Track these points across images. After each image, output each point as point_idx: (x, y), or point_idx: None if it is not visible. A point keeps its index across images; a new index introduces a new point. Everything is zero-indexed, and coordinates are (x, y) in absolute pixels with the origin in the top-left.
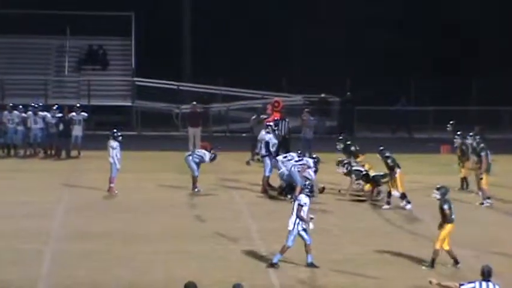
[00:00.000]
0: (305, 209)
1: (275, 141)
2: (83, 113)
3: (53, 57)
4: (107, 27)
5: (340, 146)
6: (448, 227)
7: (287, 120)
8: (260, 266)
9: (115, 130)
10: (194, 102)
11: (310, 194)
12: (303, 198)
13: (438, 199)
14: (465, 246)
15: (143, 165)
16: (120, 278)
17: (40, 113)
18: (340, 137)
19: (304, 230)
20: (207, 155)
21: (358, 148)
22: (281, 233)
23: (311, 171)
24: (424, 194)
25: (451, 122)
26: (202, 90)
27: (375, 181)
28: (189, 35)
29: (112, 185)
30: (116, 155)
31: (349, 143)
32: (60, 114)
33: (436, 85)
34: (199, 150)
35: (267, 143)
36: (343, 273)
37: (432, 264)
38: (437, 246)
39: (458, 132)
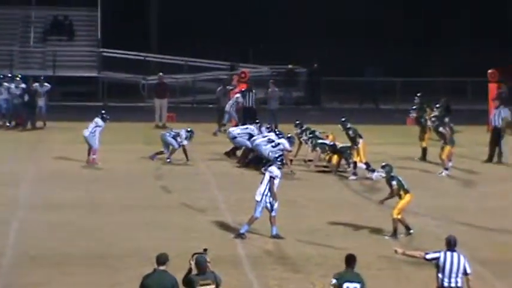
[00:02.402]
0: (276, 181)
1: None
2: (46, 85)
3: (18, 28)
4: None
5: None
6: (407, 196)
7: (254, 91)
8: (227, 237)
9: (104, 111)
10: (161, 73)
11: (282, 166)
12: (275, 171)
13: (384, 177)
14: (428, 215)
15: (109, 136)
16: (87, 248)
17: (5, 83)
18: (343, 119)
19: (271, 202)
20: (183, 132)
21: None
22: (248, 204)
23: (286, 144)
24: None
25: (418, 95)
26: (169, 61)
27: (341, 152)
28: (155, 5)
29: (94, 156)
30: (98, 133)
31: (349, 126)
32: (24, 85)
33: (403, 56)
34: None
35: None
36: (309, 243)
37: (395, 233)
38: (395, 215)
39: (414, 107)
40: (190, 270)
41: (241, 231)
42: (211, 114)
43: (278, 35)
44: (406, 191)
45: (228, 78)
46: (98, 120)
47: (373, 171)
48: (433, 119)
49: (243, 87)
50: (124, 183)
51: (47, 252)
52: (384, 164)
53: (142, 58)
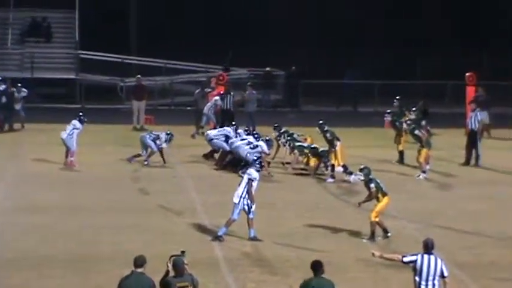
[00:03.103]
0: (254, 184)
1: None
2: (23, 90)
3: None
4: None
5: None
6: (385, 199)
7: (232, 93)
8: (204, 239)
9: (81, 114)
10: (139, 76)
11: (260, 169)
12: (254, 173)
13: (362, 180)
14: (405, 218)
15: (87, 139)
16: (66, 251)
17: None
18: (321, 122)
19: (248, 204)
20: (163, 135)
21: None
22: (225, 207)
23: (265, 147)
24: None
25: (397, 98)
26: (147, 64)
27: (320, 156)
28: (134, 7)
29: (72, 158)
30: (76, 135)
31: (326, 129)
32: (2, 87)
33: (383, 59)
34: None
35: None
36: (287, 246)
37: (372, 236)
38: (373, 218)
39: (389, 110)
40: (167, 272)
41: (219, 233)
42: (189, 117)
43: (257, 38)
44: (384, 194)
45: (206, 80)
46: (76, 122)
47: (351, 174)
48: (408, 122)
49: (221, 89)
50: (102, 186)
51: (24, 254)
52: (362, 166)
53: (121, 60)
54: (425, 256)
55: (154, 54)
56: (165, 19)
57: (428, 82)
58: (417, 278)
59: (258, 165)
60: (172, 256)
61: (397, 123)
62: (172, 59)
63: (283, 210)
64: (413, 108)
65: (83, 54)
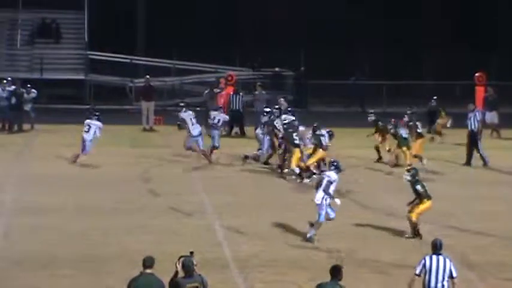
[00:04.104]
0: (333, 186)
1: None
2: (33, 91)
3: (5, 30)
4: (60, 0)
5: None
6: (428, 203)
7: (241, 94)
8: (213, 240)
9: (97, 113)
10: (148, 76)
11: (338, 171)
12: (333, 175)
13: (409, 180)
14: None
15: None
16: (75, 252)
17: None
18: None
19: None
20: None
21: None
22: (235, 207)
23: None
24: (374, 166)
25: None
26: (156, 64)
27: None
28: (142, 7)
29: (82, 154)
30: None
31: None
32: (12, 88)
33: (392, 59)
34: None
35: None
36: (297, 246)
37: (414, 234)
38: (414, 219)
39: (371, 111)
40: (176, 273)
41: (308, 235)
42: (199, 117)
43: (266, 38)
44: (428, 197)
45: (215, 81)
46: (96, 122)
47: (309, 177)
48: (389, 126)
49: (230, 90)
50: (111, 187)
51: (34, 255)
52: (409, 167)
53: (129, 61)
54: (434, 257)
55: (163, 54)
56: (174, 19)
57: (437, 82)
58: (426, 279)
59: (336, 167)
60: (181, 257)
61: (379, 123)
62: (181, 59)
63: (292, 210)
64: (408, 112)
65: (92, 54)
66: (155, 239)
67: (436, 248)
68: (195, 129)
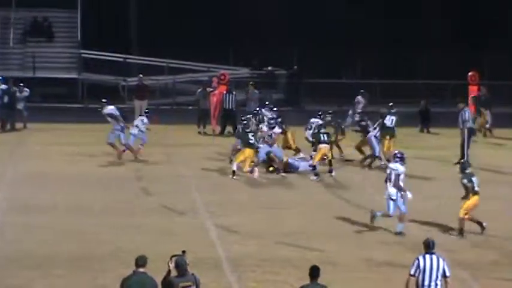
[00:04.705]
0: (401, 177)
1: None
2: (25, 90)
3: None
4: None
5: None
6: (474, 198)
7: (234, 93)
8: (206, 239)
9: (147, 111)
10: (141, 75)
11: (403, 162)
12: (400, 167)
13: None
14: (408, 218)
15: (89, 138)
16: (68, 251)
17: None
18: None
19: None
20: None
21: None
22: (227, 206)
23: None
24: (367, 165)
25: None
26: (149, 63)
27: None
28: (135, 6)
29: (141, 147)
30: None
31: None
32: (4, 86)
33: (383, 58)
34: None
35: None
36: (290, 246)
37: (461, 232)
38: (462, 215)
39: (330, 111)
40: (169, 272)
41: (398, 230)
42: (191, 116)
43: (259, 37)
44: (475, 193)
45: (208, 80)
46: (143, 118)
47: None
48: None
49: (223, 89)
50: (103, 186)
51: (26, 254)
52: (461, 161)
53: (122, 60)
54: (427, 256)
55: (156, 53)
56: (167, 18)
57: (429, 82)
58: (419, 278)
59: (401, 159)
60: (173, 256)
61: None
62: (174, 58)
63: (285, 210)
64: (392, 110)
65: (84, 53)
66: (148, 238)
67: (429, 247)
68: (121, 123)
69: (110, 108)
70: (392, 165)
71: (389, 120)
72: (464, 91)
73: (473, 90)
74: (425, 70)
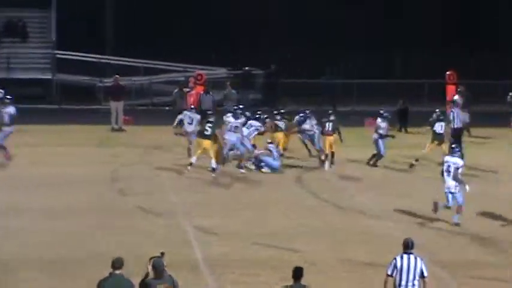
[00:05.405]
0: (460, 170)
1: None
2: (0, 90)
3: None
4: None
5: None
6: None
7: (211, 93)
8: (184, 240)
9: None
10: (117, 76)
11: (461, 155)
12: (459, 161)
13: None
14: (389, 218)
15: (64, 139)
16: (44, 253)
17: None
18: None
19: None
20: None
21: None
22: (205, 207)
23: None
24: (347, 166)
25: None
26: (125, 63)
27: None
28: (111, 6)
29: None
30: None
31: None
32: None
33: (362, 58)
34: None
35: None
36: (269, 246)
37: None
38: None
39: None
40: (147, 274)
41: (455, 220)
42: (168, 117)
43: (236, 37)
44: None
45: (184, 80)
46: (196, 115)
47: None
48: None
49: (200, 89)
50: (80, 187)
51: (3, 258)
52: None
53: (98, 60)
54: (405, 256)
55: (132, 54)
56: (142, 18)
57: (407, 81)
58: (397, 278)
59: (458, 153)
60: (151, 258)
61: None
62: (150, 58)
63: (264, 210)
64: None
65: (59, 54)
66: (125, 240)
67: (408, 247)
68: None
69: (13, 108)
70: (451, 158)
71: (439, 127)
72: (442, 91)
73: (451, 90)
74: (404, 69)
